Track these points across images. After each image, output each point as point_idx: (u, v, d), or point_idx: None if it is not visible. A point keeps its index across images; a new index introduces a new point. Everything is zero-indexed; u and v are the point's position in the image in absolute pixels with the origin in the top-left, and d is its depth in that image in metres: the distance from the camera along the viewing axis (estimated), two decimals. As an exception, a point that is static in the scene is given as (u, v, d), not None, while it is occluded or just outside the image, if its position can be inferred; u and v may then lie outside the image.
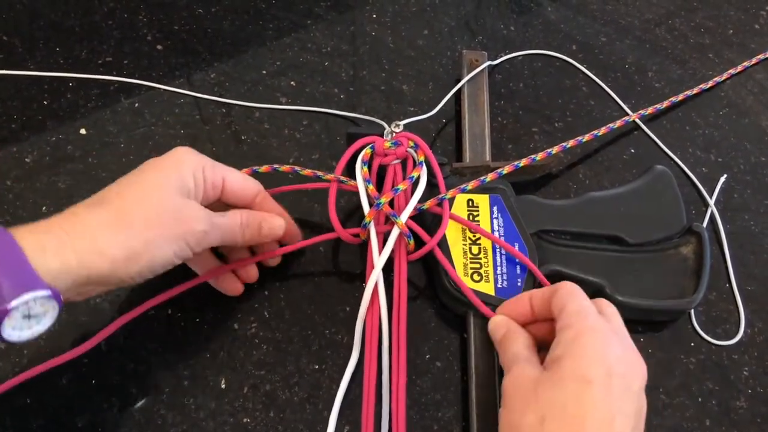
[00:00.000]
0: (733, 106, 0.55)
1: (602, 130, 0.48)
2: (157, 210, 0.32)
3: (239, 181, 0.38)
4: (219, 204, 0.38)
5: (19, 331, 0.28)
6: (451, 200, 0.42)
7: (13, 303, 0.27)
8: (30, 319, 0.28)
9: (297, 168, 0.42)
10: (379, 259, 0.39)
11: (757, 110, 0.55)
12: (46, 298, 0.28)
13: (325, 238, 0.41)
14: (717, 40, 0.60)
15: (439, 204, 0.41)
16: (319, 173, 0.42)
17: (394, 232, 0.39)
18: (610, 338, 0.31)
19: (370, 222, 0.39)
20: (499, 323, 0.36)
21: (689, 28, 0.61)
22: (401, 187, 0.40)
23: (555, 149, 0.45)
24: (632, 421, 0.29)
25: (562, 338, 0.31)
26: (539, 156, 0.44)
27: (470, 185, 0.41)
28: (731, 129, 0.53)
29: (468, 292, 0.38)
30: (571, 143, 0.46)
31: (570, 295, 0.33)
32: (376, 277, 0.38)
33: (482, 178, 0.42)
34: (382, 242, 0.40)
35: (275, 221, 0.39)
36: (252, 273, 0.40)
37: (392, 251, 0.40)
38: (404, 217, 0.39)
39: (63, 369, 0.36)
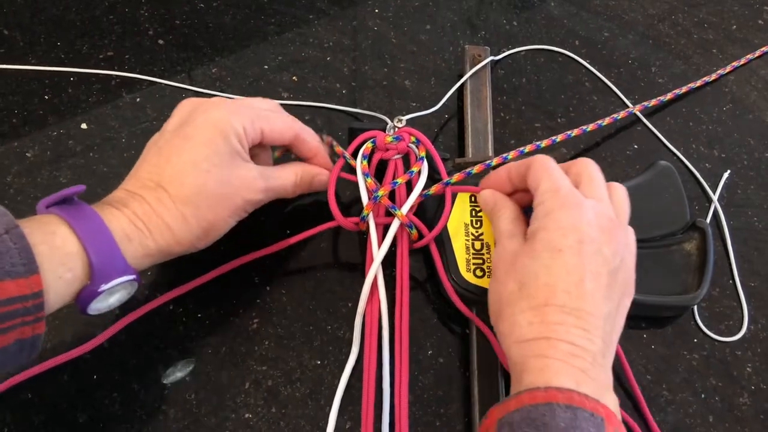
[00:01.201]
0: (736, 101, 0.55)
1: (606, 120, 0.48)
2: (218, 189, 0.34)
3: (276, 130, 0.38)
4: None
5: (100, 304, 0.31)
6: (454, 195, 0.42)
7: (104, 287, 0.30)
8: (111, 295, 0.32)
9: None
10: (378, 252, 0.39)
11: (760, 106, 0.55)
12: (130, 281, 0.31)
13: (326, 227, 0.41)
14: (720, 36, 0.60)
15: (444, 190, 0.41)
16: (334, 143, 0.42)
17: (394, 224, 0.39)
18: (582, 208, 0.32)
19: (368, 214, 0.39)
20: (487, 197, 0.38)
21: (692, 23, 0.60)
22: (400, 180, 0.40)
23: (559, 137, 0.44)
24: (605, 279, 0.31)
25: (537, 214, 0.33)
26: (544, 143, 0.44)
27: (475, 169, 0.41)
28: (735, 124, 0.53)
29: (450, 291, 0.39)
30: (575, 132, 0.46)
31: (544, 171, 0.34)
32: (375, 271, 0.38)
33: (488, 162, 0.41)
34: (382, 235, 0.40)
35: (325, 177, 0.41)
36: None
37: (394, 245, 0.40)
38: (405, 209, 0.39)
39: (64, 365, 0.36)
